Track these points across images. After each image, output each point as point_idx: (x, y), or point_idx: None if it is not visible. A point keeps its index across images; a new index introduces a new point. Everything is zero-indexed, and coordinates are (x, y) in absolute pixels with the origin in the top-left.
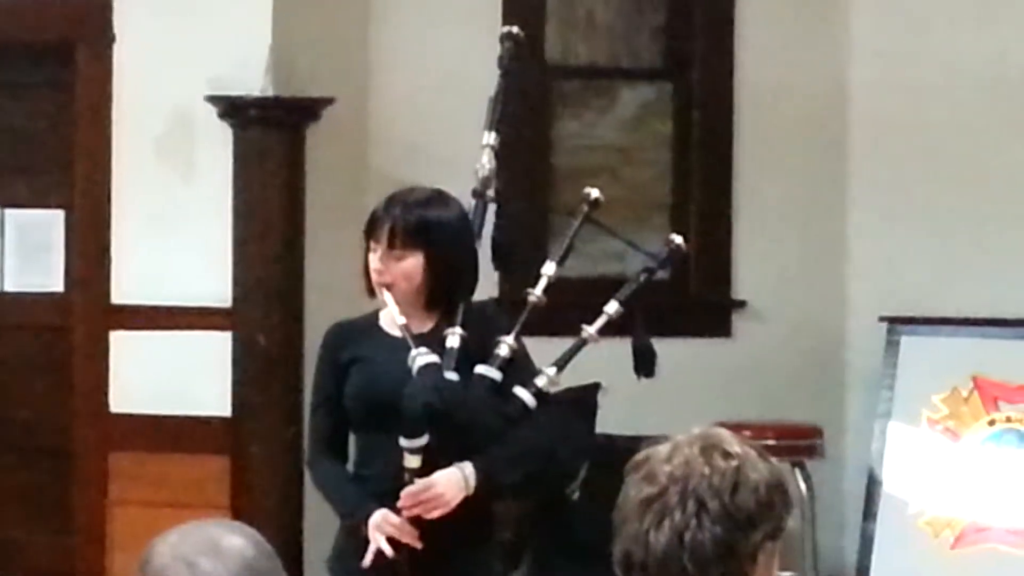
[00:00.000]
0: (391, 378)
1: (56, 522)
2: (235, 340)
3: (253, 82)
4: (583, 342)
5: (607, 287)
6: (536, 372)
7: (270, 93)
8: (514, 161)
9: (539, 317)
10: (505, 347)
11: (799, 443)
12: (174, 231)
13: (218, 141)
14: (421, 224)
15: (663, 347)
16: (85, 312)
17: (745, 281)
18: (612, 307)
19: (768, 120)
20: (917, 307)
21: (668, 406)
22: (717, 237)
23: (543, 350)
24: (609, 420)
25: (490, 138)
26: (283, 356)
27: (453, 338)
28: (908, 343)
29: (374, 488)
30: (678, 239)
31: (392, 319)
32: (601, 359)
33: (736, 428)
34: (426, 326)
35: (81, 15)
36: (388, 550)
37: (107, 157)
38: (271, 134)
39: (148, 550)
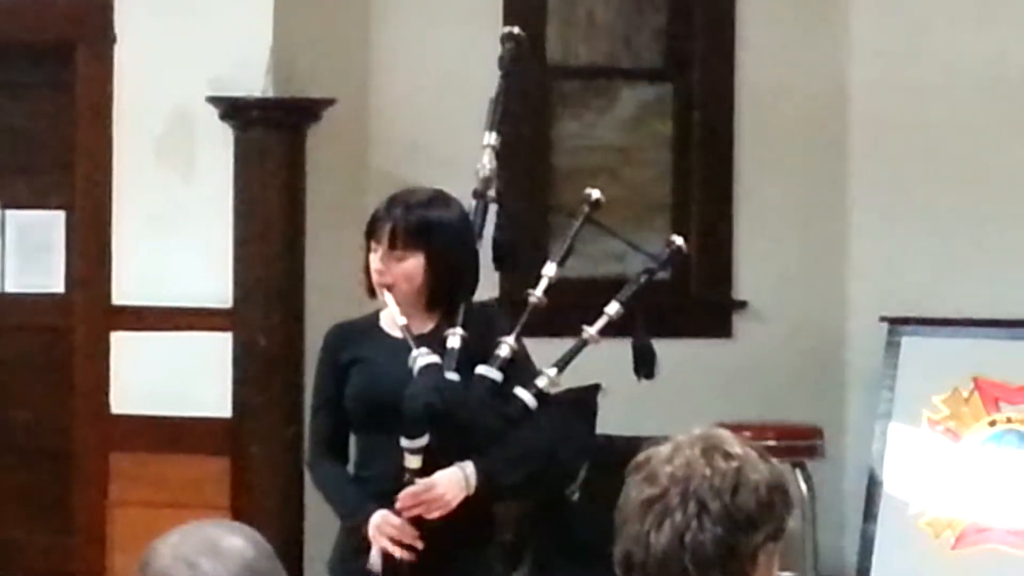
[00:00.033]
0: (392, 379)
1: (56, 523)
2: (235, 341)
3: (254, 83)
4: (584, 343)
5: (608, 288)
6: (537, 373)
7: (271, 94)
8: (514, 161)
9: (540, 318)
10: (506, 348)
11: (799, 444)
12: (175, 232)
13: (219, 142)
14: (422, 225)
15: (663, 347)
16: (86, 313)
17: (746, 281)
18: (613, 308)
19: (768, 120)
20: (917, 307)
21: (669, 407)
22: (717, 237)
23: (544, 351)
24: (609, 421)
25: (491, 138)
26: (283, 357)
27: (454, 339)
28: (909, 343)
29: (375, 489)
30: (679, 240)
31: (393, 320)
32: (602, 360)
33: (736, 429)
34: (427, 327)
35: (82, 15)
36: (396, 551)
37: (108, 158)
38: (272, 135)
39: (148, 551)
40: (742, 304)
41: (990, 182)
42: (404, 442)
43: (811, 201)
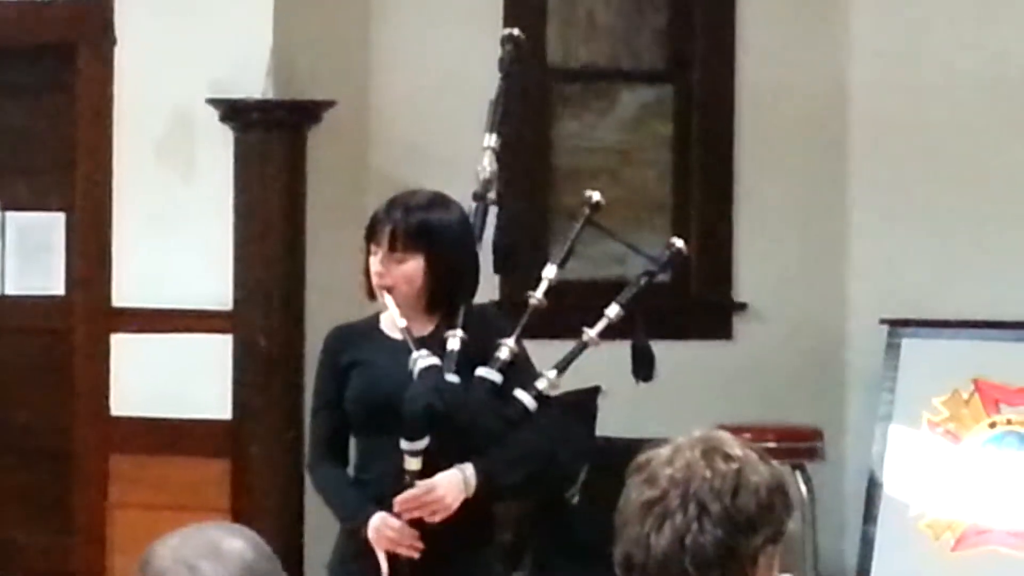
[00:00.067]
0: (392, 381)
1: (56, 524)
2: (235, 342)
3: (254, 84)
4: (584, 345)
5: (608, 289)
6: (537, 375)
7: (271, 95)
8: (515, 162)
9: (540, 319)
10: (506, 350)
11: (799, 445)
12: (175, 234)
13: (219, 143)
14: (422, 227)
15: (664, 349)
16: (86, 315)
17: (746, 283)
18: (613, 310)
19: (768, 121)
20: (918, 309)
21: (669, 408)
22: (718, 239)
23: (544, 352)
24: (610, 422)
25: (491, 140)
26: (284, 358)
27: (454, 341)
28: (909, 345)
29: (375, 491)
30: (679, 242)
31: (393, 322)
32: (602, 361)
33: (736, 430)
34: (427, 329)
35: (82, 17)
36: (408, 552)
37: (108, 159)
38: (272, 136)
39: (148, 553)
40: (742, 305)
41: (990, 183)
42: (404, 444)
43: (811, 202)
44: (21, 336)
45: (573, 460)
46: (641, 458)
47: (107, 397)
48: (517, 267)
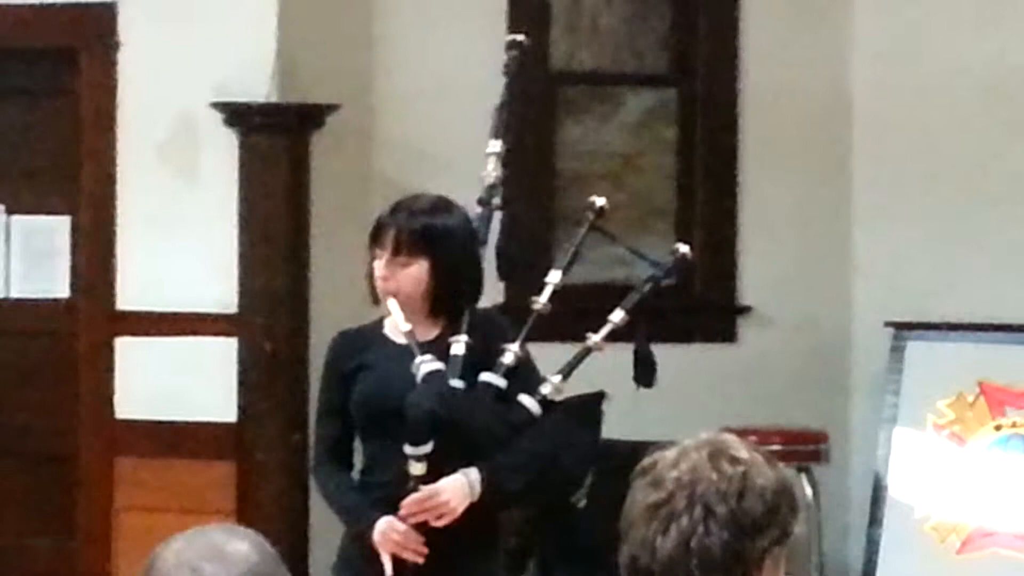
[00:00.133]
0: (396, 386)
1: (61, 527)
2: (240, 346)
3: (258, 88)
4: (588, 350)
5: (612, 293)
6: (541, 380)
7: (275, 99)
8: (519, 167)
9: (544, 323)
10: (510, 355)
11: (804, 448)
12: (179, 237)
13: (223, 147)
14: (426, 231)
15: (668, 352)
16: (90, 318)
17: (750, 286)
18: (617, 316)
19: (772, 124)
20: (922, 312)
21: (673, 411)
22: (722, 242)
23: (547, 355)
24: (614, 425)
25: (496, 146)
26: (288, 362)
27: (458, 346)
28: (914, 348)
29: (379, 495)
30: (684, 248)
31: (397, 326)
32: (606, 365)
33: (741, 433)
34: (431, 333)
35: (86, 21)
36: (413, 556)
37: (112, 163)
38: (276, 140)
39: (152, 556)
40: (746, 309)
41: (994, 185)
42: (408, 449)
43: (815, 205)
44: (26, 339)
45: (578, 465)
46: (647, 461)
47: (112, 400)
48: (520, 273)
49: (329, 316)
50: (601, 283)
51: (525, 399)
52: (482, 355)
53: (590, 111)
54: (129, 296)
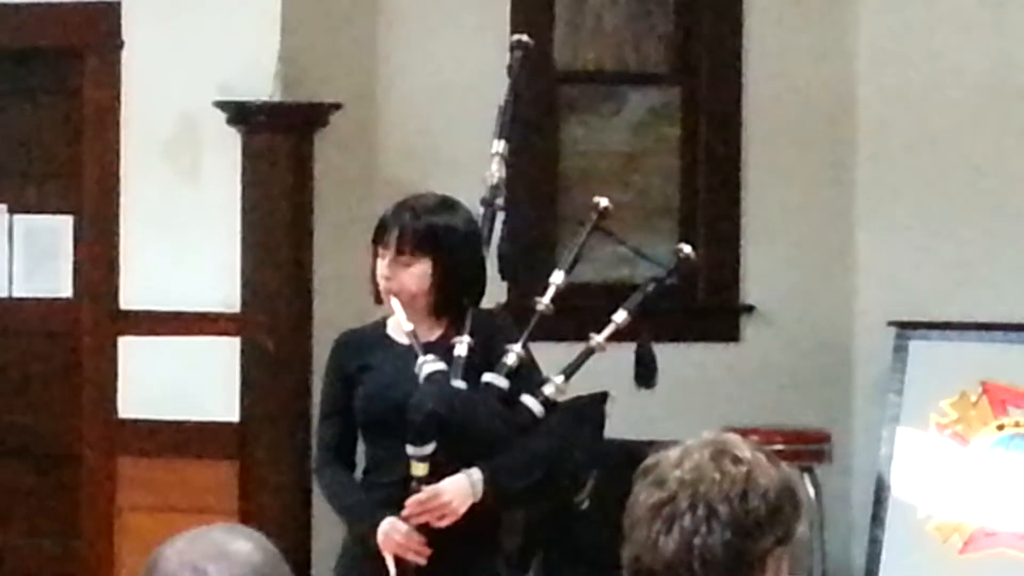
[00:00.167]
0: (399, 387)
1: (63, 527)
2: (243, 345)
3: (261, 87)
4: (591, 351)
5: (616, 292)
6: (544, 380)
7: (278, 98)
8: (522, 167)
9: (547, 323)
10: (513, 356)
11: (807, 448)
12: (182, 236)
13: (226, 146)
14: (429, 231)
15: (671, 352)
16: (93, 317)
17: (753, 286)
18: (620, 316)
19: (776, 124)
20: (925, 312)
21: (677, 411)
22: (725, 242)
23: (550, 355)
24: (618, 425)
25: (500, 146)
26: (291, 361)
27: (461, 347)
28: (916, 348)
29: (382, 496)
30: (687, 249)
31: (400, 327)
32: (610, 364)
33: (744, 433)
34: (434, 334)
35: (90, 20)
36: (417, 559)
37: (115, 162)
38: (279, 139)
39: (155, 555)
40: (749, 308)
41: (997, 187)
42: (410, 449)
43: (818, 204)
44: (29, 339)
45: (580, 466)
46: (650, 460)
47: (115, 400)
48: (522, 274)
49: (332, 316)
50: (604, 283)
51: (528, 400)
52: (485, 356)
53: (593, 111)
54: (132, 296)
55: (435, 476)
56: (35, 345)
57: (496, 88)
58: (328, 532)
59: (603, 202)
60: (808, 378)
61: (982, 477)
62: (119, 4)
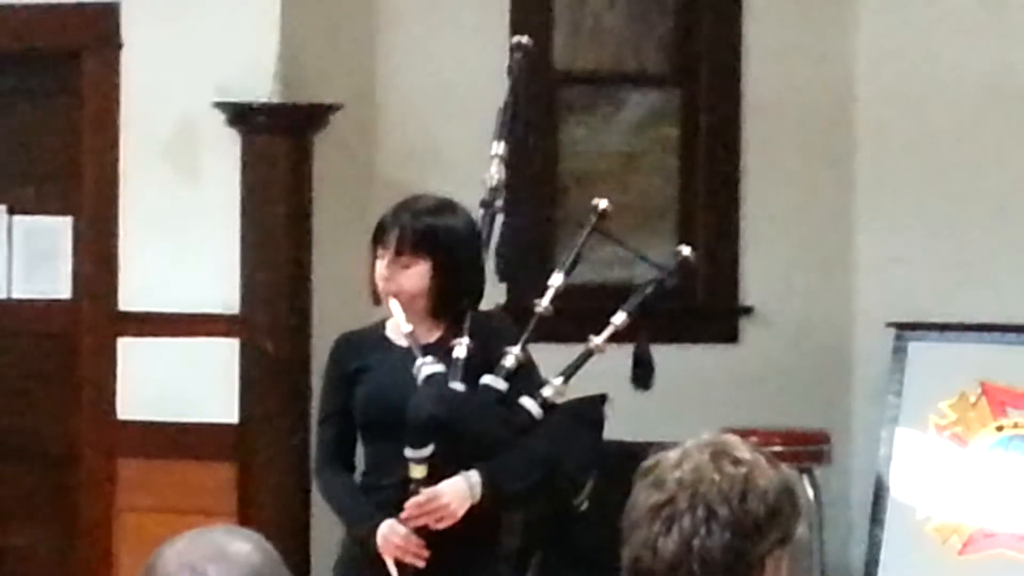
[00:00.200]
0: (398, 389)
1: (62, 528)
2: (242, 347)
3: (261, 88)
4: (590, 352)
5: (615, 293)
6: (542, 382)
7: (277, 99)
8: (521, 168)
9: (545, 324)
10: (511, 358)
11: (806, 449)
12: (181, 237)
13: (226, 147)
14: (428, 232)
15: (670, 353)
16: (92, 319)
17: (752, 287)
18: (619, 318)
19: (775, 125)
20: (924, 313)
21: (675, 412)
22: (724, 243)
23: (549, 357)
24: (616, 426)
25: (499, 148)
26: (290, 363)
27: (460, 349)
28: (915, 349)
29: (381, 498)
30: (686, 250)
31: (399, 328)
32: (609, 365)
33: (743, 434)
34: (433, 335)
35: (89, 22)
36: (416, 562)
37: (115, 163)
38: (279, 140)
39: (154, 557)
40: (748, 310)
41: (996, 187)
42: (408, 452)
43: (817, 206)
44: (28, 340)
45: (579, 468)
46: (649, 461)
47: (114, 401)
48: (520, 276)
49: (331, 317)
50: (603, 284)
51: (526, 401)
52: (484, 357)
53: (592, 112)
54: (131, 297)
55: (434, 478)
56: (34, 346)
57: (496, 89)
58: (327, 534)
59: (602, 203)
60: (807, 379)
61: (981, 478)
62: (118, 5)
